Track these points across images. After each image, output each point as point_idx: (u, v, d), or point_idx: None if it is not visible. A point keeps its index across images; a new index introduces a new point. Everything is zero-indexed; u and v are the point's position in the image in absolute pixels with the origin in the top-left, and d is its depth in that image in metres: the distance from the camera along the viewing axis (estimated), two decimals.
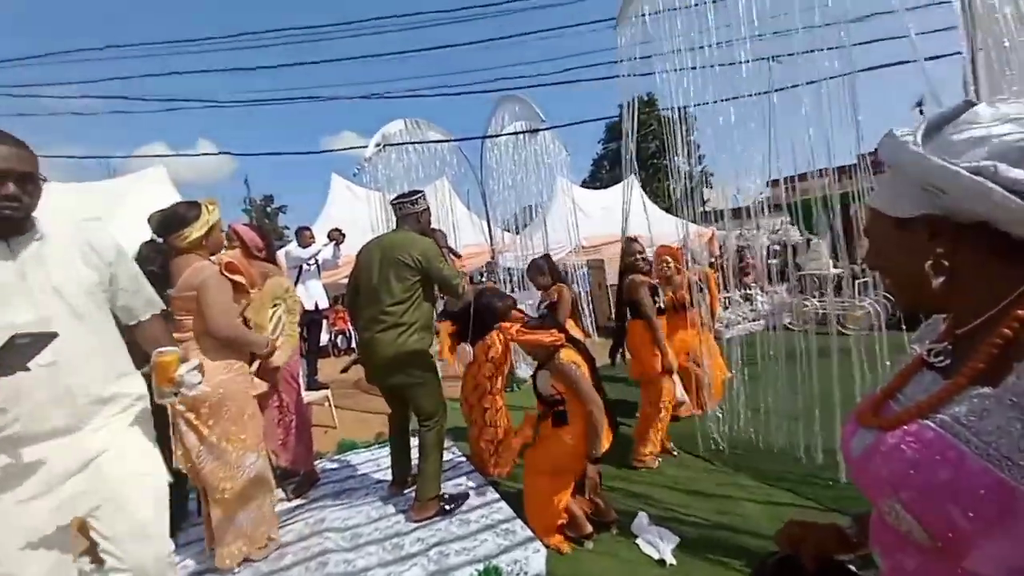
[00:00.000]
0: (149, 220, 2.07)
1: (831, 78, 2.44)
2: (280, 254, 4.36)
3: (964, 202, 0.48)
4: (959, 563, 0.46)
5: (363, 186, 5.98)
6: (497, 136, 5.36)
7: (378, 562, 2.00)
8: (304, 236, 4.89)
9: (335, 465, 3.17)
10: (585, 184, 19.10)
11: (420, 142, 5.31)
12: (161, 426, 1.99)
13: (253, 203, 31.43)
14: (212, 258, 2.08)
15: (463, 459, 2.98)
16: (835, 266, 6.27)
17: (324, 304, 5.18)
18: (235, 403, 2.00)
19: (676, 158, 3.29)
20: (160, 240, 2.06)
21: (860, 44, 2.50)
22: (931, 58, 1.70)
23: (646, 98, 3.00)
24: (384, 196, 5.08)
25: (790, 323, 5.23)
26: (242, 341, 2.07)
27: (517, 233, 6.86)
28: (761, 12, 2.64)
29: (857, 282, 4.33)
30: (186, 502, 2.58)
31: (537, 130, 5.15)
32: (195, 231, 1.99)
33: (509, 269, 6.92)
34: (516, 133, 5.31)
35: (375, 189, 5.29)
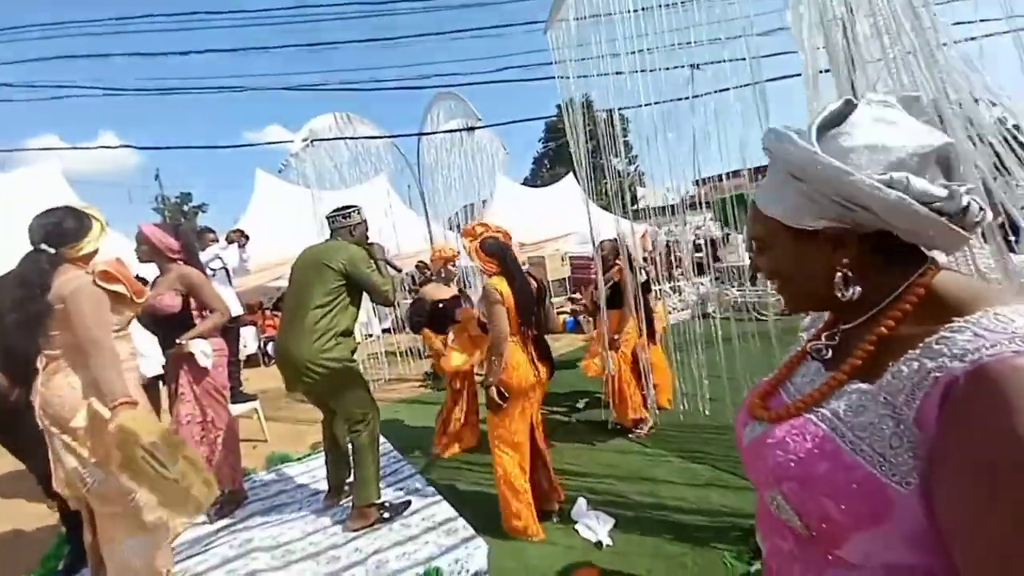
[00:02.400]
0: (30, 230, 1.81)
1: (737, 87, 2.67)
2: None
3: (884, 216, 0.47)
4: (832, 551, 0.48)
5: (291, 183, 5.64)
6: (433, 133, 5.28)
7: None
8: (205, 239, 4.37)
9: (265, 480, 2.97)
10: (526, 183, 19.34)
11: (351, 137, 5.10)
12: (41, 448, 1.80)
13: (166, 201, 28.50)
14: (87, 266, 1.83)
15: (403, 462, 2.91)
16: (750, 258, 6.88)
17: (236, 311, 4.63)
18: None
19: (611, 158, 3.43)
20: (52, 251, 1.79)
21: (765, 56, 2.73)
22: (824, 71, 1.90)
23: (584, 99, 3.13)
24: (314, 194, 4.83)
25: (713, 311, 5.66)
26: (99, 366, 1.71)
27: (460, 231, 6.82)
28: (681, 22, 2.82)
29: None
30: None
31: (474, 128, 5.14)
32: (91, 243, 1.82)
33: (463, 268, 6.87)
34: (453, 131, 5.26)
35: (304, 186, 5.00)
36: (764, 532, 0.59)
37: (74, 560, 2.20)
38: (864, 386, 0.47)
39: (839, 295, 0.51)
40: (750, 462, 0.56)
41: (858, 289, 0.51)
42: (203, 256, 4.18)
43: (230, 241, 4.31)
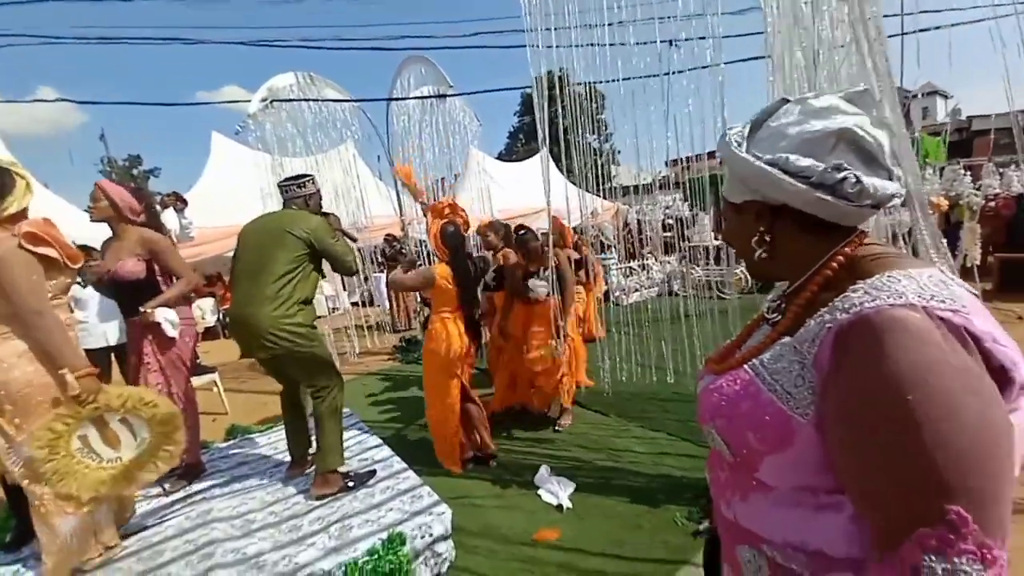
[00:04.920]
0: None
1: (701, 67, 2.68)
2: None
3: (764, 188, 0.57)
4: (753, 475, 0.56)
5: (249, 147, 5.32)
6: (403, 99, 5.06)
7: (272, 546, 1.89)
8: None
9: (225, 453, 2.90)
10: (501, 157, 19.00)
11: (316, 100, 4.82)
12: None
13: (113, 164, 26.44)
14: (12, 228, 1.68)
15: (370, 434, 2.91)
16: (716, 238, 7.09)
17: None
18: (47, 397, 1.70)
19: (583, 134, 3.40)
20: None
21: (728, 37, 2.74)
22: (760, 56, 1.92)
23: (559, 72, 3.02)
24: (274, 159, 4.58)
25: (679, 289, 5.83)
26: (44, 339, 1.65)
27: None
28: None
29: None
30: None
31: (445, 96, 4.96)
32: (16, 202, 1.68)
33: (423, 241, 6.74)
34: (424, 97, 5.06)
35: (264, 151, 4.73)
36: (709, 466, 0.68)
37: (22, 532, 2.11)
38: (787, 339, 0.55)
39: (755, 257, 0.62)
40: (699, 406, 0.65)
41: (764, 253, 0.61)
42: None
43: (164, 206, 3.88)
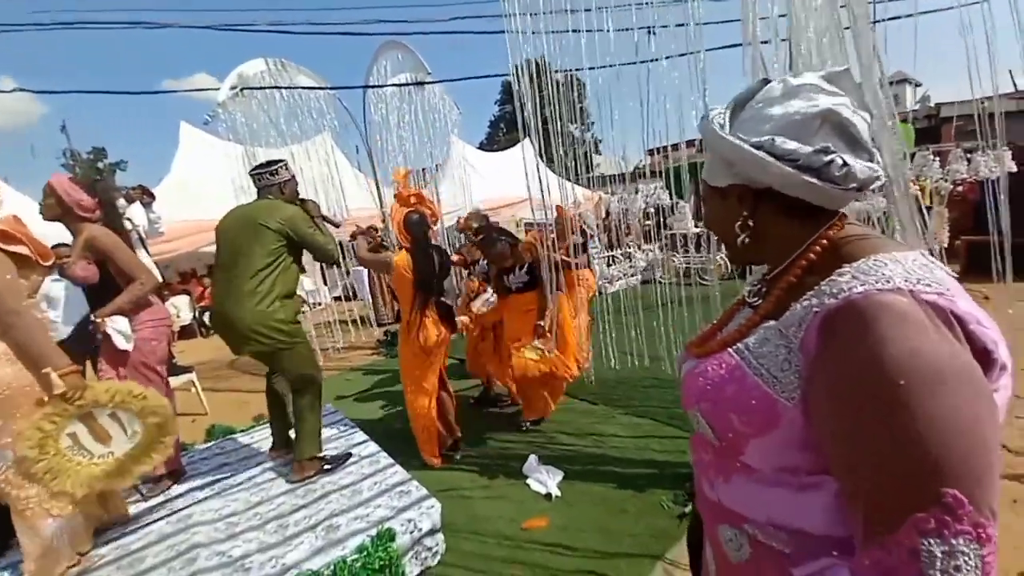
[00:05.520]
0: None
1: (679, 55, 2.67)
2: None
3: (749, 172, 0.57)
4: (738, 458, 0.57)
5: (219, 137, 5.12)
6: (380, 87, 4.92)
7: (258, 547, 1.86)
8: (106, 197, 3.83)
9: (205, 455, 2.83)
10: (482, 147, 18.82)
11: (288, 87, 4.65)
12: None
13: (76, 157, 25.20)
14: None
15: (355, 429, 2.88)
16: (696, 226, 7.18)
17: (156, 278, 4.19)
18: (27, 399, 1.66)
19: (564, 123, 3.36)
20: None
21: (708, 24, 2.73)
22: (764, 42, 1.92)
23: (539, 61, 2.96)
24: (246, 150, 4.41)
25: (661, 277, 5.89)
26: (22, 340, 1.59)
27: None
28: None
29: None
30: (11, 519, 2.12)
31: (423, 83, 4.85)
32: None
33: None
34: (401, 85, 4.93)
35: (236, 141, 4.56)
36: (692, 448, 0.69)
37: (2, 539, 2.04)
38: (771, 323, 0.55)
39: (738, 242, 0.61)
40: (683, 391, 0.65)
41: (746, 237, 0.60)
42: None
43: (130, 200, 3.65)
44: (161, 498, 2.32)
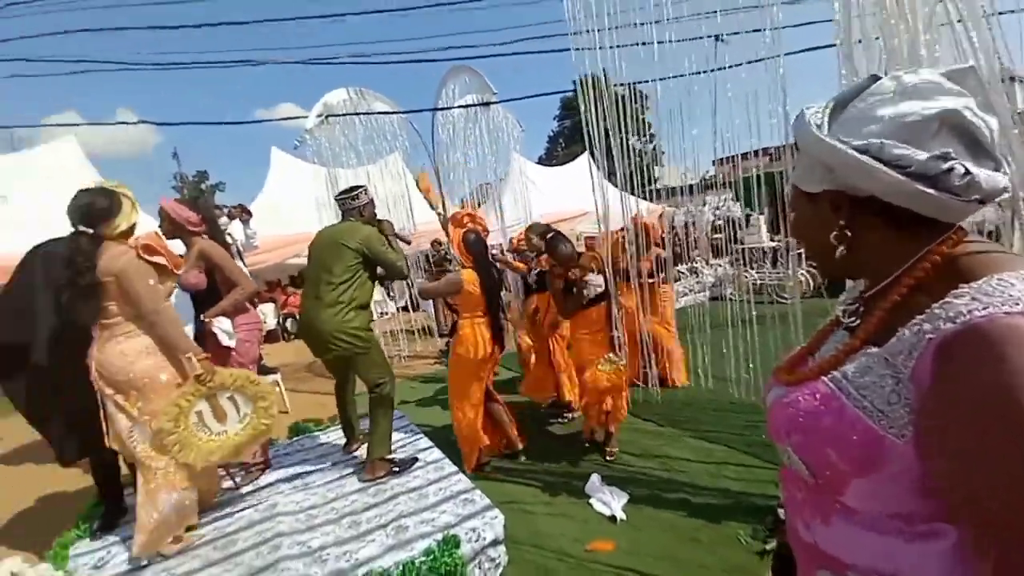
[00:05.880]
0: (69, 208, 1.99)
1: (757, 60, 2.55)
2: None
3: (851, 178, 0.51)
4: (837, 496, 0.52)
5: (306, 160, 5.63)
6: (448, 109, 5.18)
7: (334, 541, 1.98)
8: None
9: (288, 450, 3.07)
10: (540, 161, 19.05)
11: (366, 113, 5.04)
12: (92, 407, 2.01)
13: (184, 179, 28.85)
14: (128, 242, 2.02)
15: (420, 436, 2.98)
16: (772, 240, 6.72)
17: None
18: (164, 386, 2.00)
19: (627, 136, 3.32)
20: (90, 231, 1.97)
21: (787, 27, 2.59)
22: (858, 41, 1.79)
23: (601, 75, 2.96)
24: (329, 171, 4.82)
25: (731, 294, 5.56)
26: (164, 333, 1.98)
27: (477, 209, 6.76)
28: None
29: (791, 254, 4.65)
30: (121, 498, 2.43)
31: (489, 103, 5.03)
32: (124, 221, 2.00)
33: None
34: (468, 106, 5.16)
35: (320, 163, 5.00)
36: (783, 482, 0.64)
37: (110, 518, 2.33)
38: (873, 349, 0.50)
39: (836, 254, 0.55)
40: (770, 420, 0.60)
41: (843, 248, 0.55)
42: None
43: (231, 217, 4.20)
44: (251, 487, 2.55)
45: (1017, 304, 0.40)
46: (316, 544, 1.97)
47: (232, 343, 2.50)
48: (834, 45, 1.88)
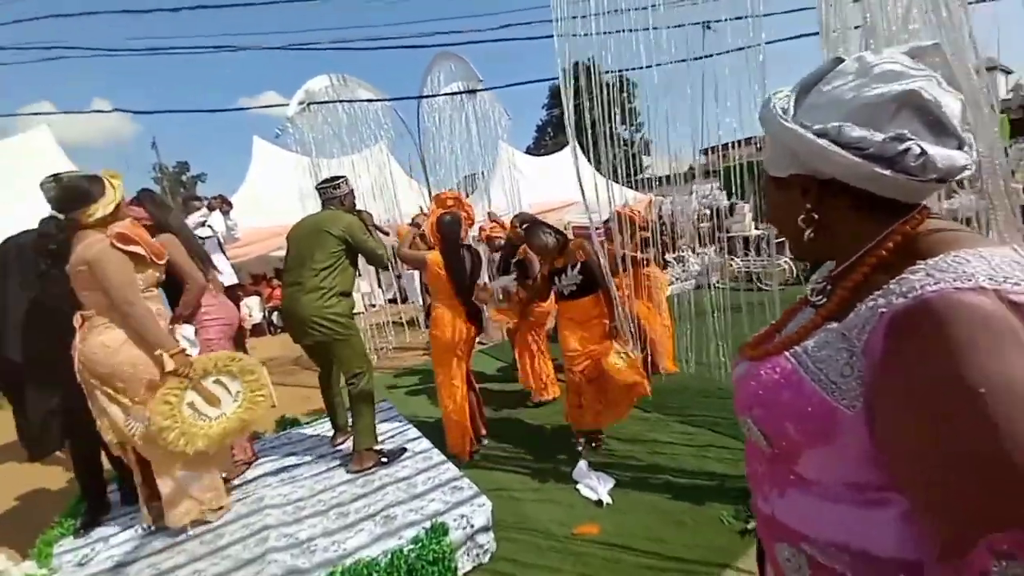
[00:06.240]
0: (44, 191, 1.94)
1: (737, 49, 2.55)
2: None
3: (813, 162, 0.52)
4: (792, 467, 0.54)
5: (289, 150, 5.52)
6: (434, 96, 5.11)
7: (322, 531, 1.98)
8: (190, 207, 4.07)
9: (275, 443, 3.05)
10: (529, 151, 18.94)
11: (349, 100, 4.94)
12: (69, 401, 2.01)
13: (164, 170, 28.12)
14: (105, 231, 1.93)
15: (409, 426, 2.98)
16: (757, 228, 6.79)
17: (230, 280, 4.16)
18: (149, 373, 1.97)
19: (614, 124, 3.30)
20: (61, 216, 1.92)
21: (769, 15, 2.59)
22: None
23: (588, 62, 2.92)
24: (313, 160, 4.73)
25: (718, 281, 5.63)
26: (137, 326, 1.92)
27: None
28: None
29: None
30: (104, 494, 2.40)
31: (475, 91, 4.97)
32: (100, 208, 1.92)
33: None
34: (454, 93, 5.09)
35: (303, 153, 4.90)
36: (746, 457, 0.65)
37: (93, 515, 2.30)
38: (834, 325, 0.50)
39: (804, 237, 0.57)
40: (736, 395, 0.61)
41: (811, 231, 0.56)
42: (187, 224, 3.88)
43: (211, 208, 4.02)
44: (238, 481, 2.53)
45: (969, 280, 0.40)
46: (304, 536, 1.97)
47: (195, 351, 2.28)
48: (816, 33, 1.89)
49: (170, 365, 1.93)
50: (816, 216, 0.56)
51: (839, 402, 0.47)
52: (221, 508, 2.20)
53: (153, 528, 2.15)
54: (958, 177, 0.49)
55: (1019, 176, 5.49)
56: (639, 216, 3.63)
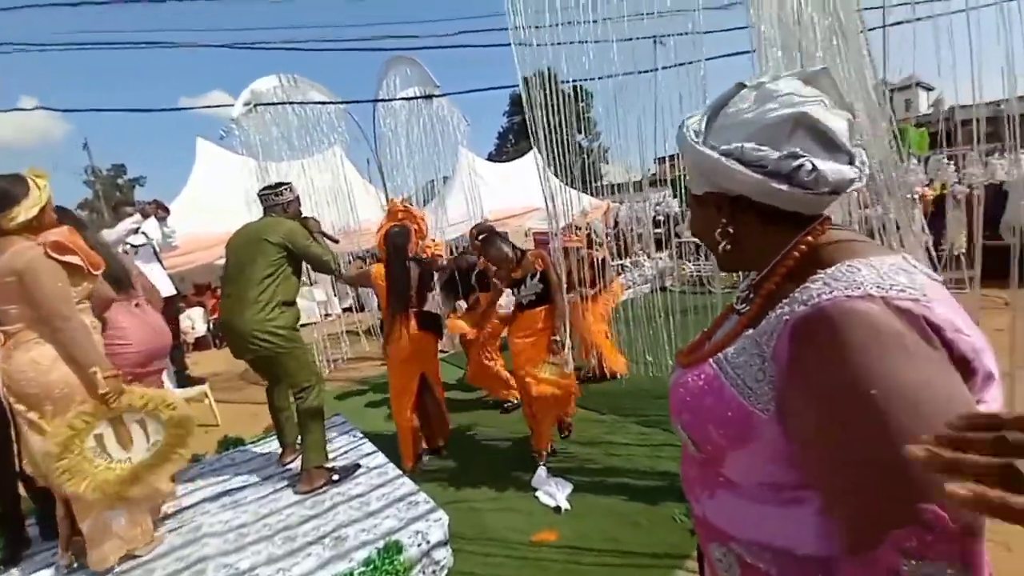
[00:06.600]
0: None
1: (679, 65, 2.67)
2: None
3: (722, 179, 0.55)
4: (719, 470, 0.56)
5: (235, 151, 5.24)
6: (388, 100, 5.01)
7: (266, 559, 1.86)
8: (121, 212, 3.82)
9: (216, 465, 2.85)
10: (491, 158, 18.98)
11: (300, 103, 4.76)
12: (3, 428, 1.81)
13: (97, 173, 26.01)
14: (36, 238, 1.75)
15: (364, 440, 2.87)
16: None
17: (167, 291, 4.09)
18: (84, 395, 1.76)
19: (571, 132, 3.36)
20: None
21: (709, 32, 2.74)
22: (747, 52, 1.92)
23: (547, 71, 2.98)
24: (260, 163, 4.51)
25: (671, 285, 5.84)
26: (69, 342, 1.72)
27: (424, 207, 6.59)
28: None
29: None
30: (23, 528, 2.16)
31: (432, 96, 4.92)
32: (23, 211, 1.73)
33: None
34: (410, 98, 5.01)
35: (249, 155, 4.66)
36: (681, 462, 0.68)
37: (13, 549, 2.09)
38: (749, 331, 0.53)
39: (720, 249, 0.61)
40: (670, 400, 0.64)
41: (726, 244, 0.60)
42: (118, 231, 3.56)
43: (145, 215, 3.72)
44: (172, 508, 2.34)
45: (859, 288, 0.44)
46: (245, 565, 1.84)
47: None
48: (751, 51, 2.01)
49: (103, 387, 1.72)
50: (731, 230, 0.59)
51: (754, 406, 0.49)
52: (152, 541, 2.02)
53: (76, 565, 1.95)
54: (849, 189, 0.53)
55: (936, 186, 6.06)
56: (580, 241, 3.67)
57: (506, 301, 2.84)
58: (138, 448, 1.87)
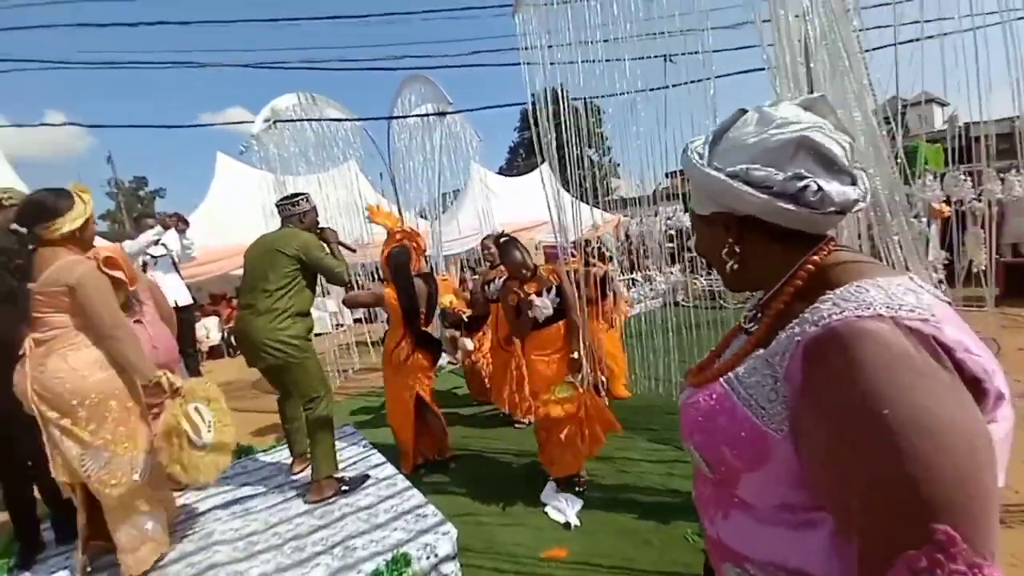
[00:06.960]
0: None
1: (690, 82, 2.71)
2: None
3: (729, 200, 0.57)
4: (733, 491, 0.56)
5: (253, 167, 5.39)
6: (403, 117, 5.13)
7: (275, 568, 1.86)
8: (143, 224, 3.92)
9: (228, 473, 2.87)
10: (502, 171, 19.23)
11: (317, 119, 4.90)
12: (34, 436, 1.81)
13: (120, 186, 26.85)
14: (88, 253, 1.86)
15: (373, 451, 2.88)
16: None
17: (184, 300, 4.28)
18: (118, 401, 1.82)
19: (583, 148, 3.41)
20: (24, 230, 1.79)
21: (718, 51, 2.78)
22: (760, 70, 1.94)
23: (557, 88, 3.04)
24: (278, 177, 4.63)
25: (683, 299, 5.81)
26: (122, 352, 1.82)
27: (436, 220, 6.67)
28: (650, 11, 2.83)
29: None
30: (38, 532, 2.20)
31: (445, 113, 5.03)
32: (67, 223, 1.80)
33: (427, 256, 6.75)
34: (424, 115, 5.13)
35: (268, 170, 4.79)
36: (694, 481, 0.67)
37: (28, 554, 2.13)
38: (760, 351, 0.54)
39: (727, 269, 0.61)
40: (681, 420, 0.64)
41: (733, 264, 0.61)
42: (139, 242, 3.66)
43: (165, 227, 3.80)
44: (184, 516, 2.36)
45: (868, 308, 0.44)
46: (255, 573, 1.85)
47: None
48: (762, 70, 2.03)
49: (176, 382, 1.86)
50: (737, 249, 0.60)
51: (768, 426, 0.49)
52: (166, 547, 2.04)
53: (90, 570, 1.97)
54: (854, 209, 0.54)
55: (943, 204, 5.96)
56: (579, 262, 3.62)
57: (541, 302, 2.47)
58: (205, 430, 1.97)
